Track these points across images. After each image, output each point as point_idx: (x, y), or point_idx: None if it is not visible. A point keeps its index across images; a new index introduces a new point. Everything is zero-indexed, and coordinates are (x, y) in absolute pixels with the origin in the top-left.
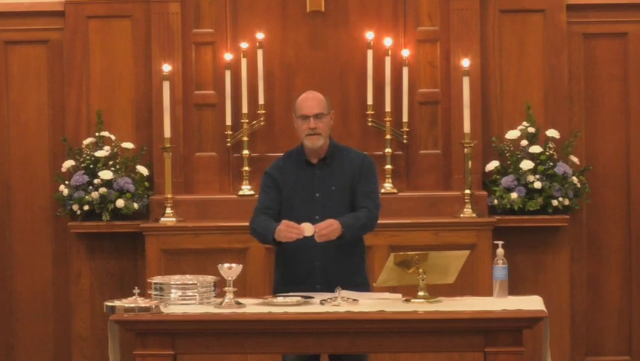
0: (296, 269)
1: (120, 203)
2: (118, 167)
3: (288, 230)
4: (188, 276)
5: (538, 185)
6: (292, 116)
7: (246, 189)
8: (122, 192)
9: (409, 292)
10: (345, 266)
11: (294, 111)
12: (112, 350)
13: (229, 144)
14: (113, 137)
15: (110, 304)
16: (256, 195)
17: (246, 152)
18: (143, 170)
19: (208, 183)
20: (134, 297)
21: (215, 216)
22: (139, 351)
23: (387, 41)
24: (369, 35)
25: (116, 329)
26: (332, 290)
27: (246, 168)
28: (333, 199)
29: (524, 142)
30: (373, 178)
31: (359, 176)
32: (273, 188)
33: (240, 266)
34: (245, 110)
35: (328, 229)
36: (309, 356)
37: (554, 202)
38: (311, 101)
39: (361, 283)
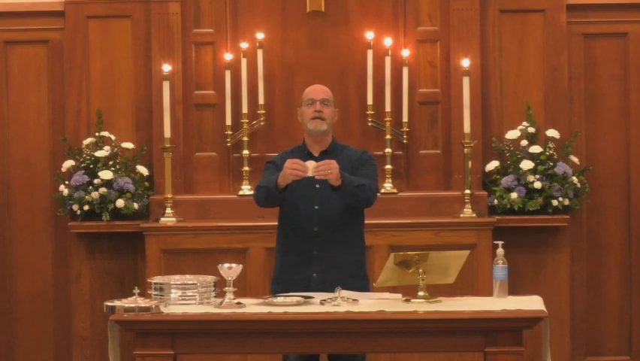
0: (294, 257)
1: (120, 203)
2: (118, 167)
3: (293, 165)
4: (188, 276)
5: (538, 185)
6: (297, 110)
7: (245, 189)
8: (122, 192)
9: (409, 292)
10: (343, 257)
11: (299, 103)
12: (112, 350)
13: (229, 144)
14: (113, 137)
15: (110, 304)
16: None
17: (246, 152)
18: (143, 170)
19: (208, 183)
20: (134, 297)
21: (215, 216)
22: (139, 351)
23: (387, 41)
24: (369, 35)
25: (116, 329)
26: (329, 280)
27: (246, 168)
28: (331, 192)
29: (524, 142)
30: (372, 167)
31: (358, 166)
32: (275, 171)
33: (240, 266)
34: (245, 110)
35: (326, 165)
36: (309, 356)
37: (554, 202)
38: (319, 88)
39: (360, 276)
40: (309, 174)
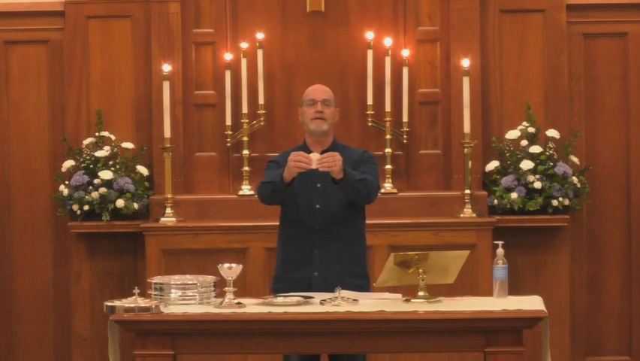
0: (295, 255)
1: (120, 203)
2: (118, 167)
3: (297, 158)
4: (188, 276)
5: (538, 185)
6: (297, 110)
7: (245, 189)
8: (122, 192)
9: (409, 292)
10: (344, 253)
11: (300, 103)
12: (112, 350)
13: (229, 144)
14: (113, 137)
15: (110, 304)
16: (255, 196)
17: (245, 152)
18: (143, 170)
19: (208, 183)
20: (134, 297)
21: (215, 216)
22: (139, 351)
23: (387, 41)
24: (369, 35)
25: (116, 329)
26: (330, 279)
27: (246, 168)
28: (333, 189)
29: (524, 142)
30: (373, 165)
31: (359, 165)
32: (277, 169)
33: (240, 266)
34: (245, 110)
35: (330, 157)
36: (310, 356)
37: (554, 202)
38: (320, 89)
39: (361, 275)
40: (313, 167)
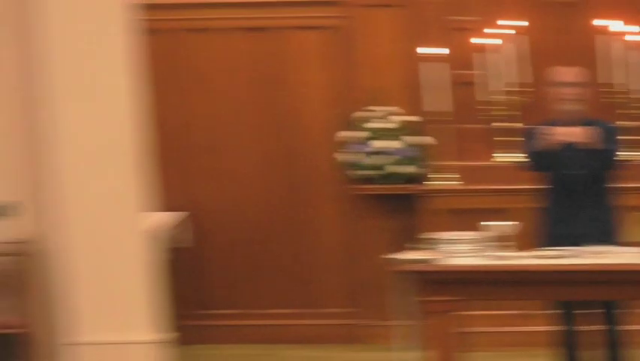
0: (559, 215)
1: (400, 168)
2: (398, 137)
3: (558, 131)
4: (466, 232)
5: None
6: (549, 88)
7: (508, 157)
8: (401, 159)
9: None
10: (601, 214)
11: (552, 82)
12: (395, 299)
13: (492, 117)
14: (392, 110)
15: (395, 256)
16: (519, 163)
17: (509, 124)
18: (420, 140)
19: (475, 151)
20: (418, 251)
21: (483, 180)
22: (426, 298)
23: (631, 29)
24: (616, 24)
25: (401, 279)
26: (589, 235)
27: (508, 139)
28: (589, 157)
29: None
30: (618, 137)
31: (606, 136)
32: (537, 140)
33: (516, 224)
34: (507, 88)
35: (586, 131)
36: (579, 304)
37: None
38: (569, 71)
39: (615, 232)
40: (572, 139)
